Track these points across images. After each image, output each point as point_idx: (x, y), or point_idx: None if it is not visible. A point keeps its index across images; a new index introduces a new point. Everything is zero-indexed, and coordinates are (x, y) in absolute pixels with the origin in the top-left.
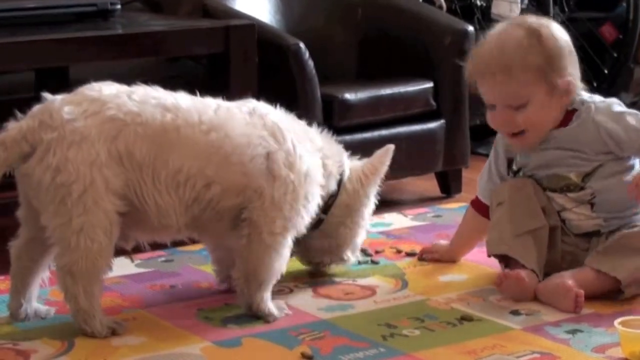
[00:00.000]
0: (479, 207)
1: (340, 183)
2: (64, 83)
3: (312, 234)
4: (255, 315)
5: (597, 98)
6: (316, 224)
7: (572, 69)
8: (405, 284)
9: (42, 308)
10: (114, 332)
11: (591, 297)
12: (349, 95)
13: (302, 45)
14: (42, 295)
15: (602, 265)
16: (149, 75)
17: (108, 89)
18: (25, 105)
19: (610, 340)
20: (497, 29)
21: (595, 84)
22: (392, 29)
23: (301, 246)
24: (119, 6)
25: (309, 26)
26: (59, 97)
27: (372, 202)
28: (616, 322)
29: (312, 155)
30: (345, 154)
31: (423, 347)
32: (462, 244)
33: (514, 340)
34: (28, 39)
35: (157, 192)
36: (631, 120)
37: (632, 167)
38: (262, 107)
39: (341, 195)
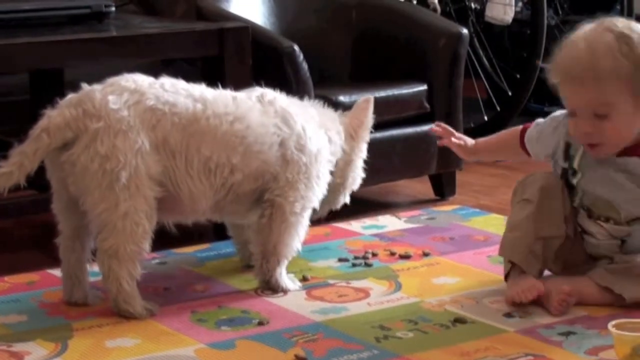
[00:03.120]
0: (522, 141)
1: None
2: (58, 85)
3: None
4: (272, 289)
5: None
6: None
7: None
8: (398, 286)
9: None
10: (151, 314)
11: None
12: (343, 98)
13: (296, 47)
14: (36, 297)
15: (609, 283)
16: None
17: (141, 80)
18: (20, 107)
19: (603, 343)
20: (583, 31)
21: None
22: (386, 31)
23: None
24: (113, 8)
25: (303, 28)
26: (96, 87)
27: (364, 151)
28: (610, 324)
29: (319, 134)
30: (338, 119)
31: (416, 350)
32: (488, 146)
33: (507, 343)
34: (22, 41)
35: (190, 178)
36: None
37: None
38: (269, 94)
39: (340, 159)
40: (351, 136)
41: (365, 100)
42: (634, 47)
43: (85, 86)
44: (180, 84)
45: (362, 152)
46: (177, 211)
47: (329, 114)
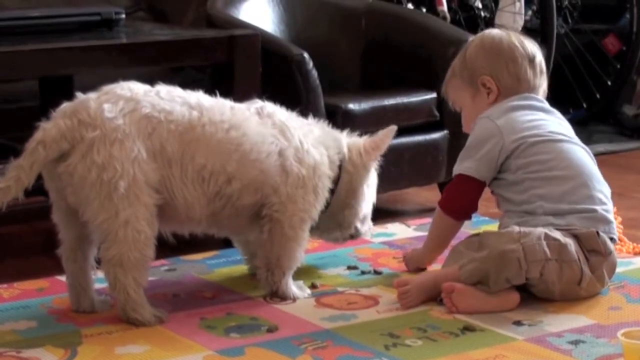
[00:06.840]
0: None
1: (341, 167)
2: (68, 91)
3: (321, 216)
4: (280, 297)
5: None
6: (324, 206)
7: (498, 71)
8: None
9: (101, 298)
10: (160, 321)
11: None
12: (353, 106)
13: (306, 55)
14: (46, 303)
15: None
16: (153, 84)
17: (136, 88)
18: (30, 113)
19: (613, 351)
20: None
21: (598, 96)
22: (395, 39)
23: (315, 228)
24: (123, 15)
25: (313, 36)
26: (91, 96)
27: (373, 176)
28: (619, 333)
29: (317, 148)
30: (343, 138)
31: (425, 357)
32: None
33: (516, 351)
34: (33, 48)
35: (184, 186)
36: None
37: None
38: (269, 107)
39: (343, 177)
40: (360, 154)
41: (389, 129)
42: (467, 49)
43: (79, 95)
44: (177, 91)
45: (369, 176)
46: (173, 219)
47: (333, 134)
